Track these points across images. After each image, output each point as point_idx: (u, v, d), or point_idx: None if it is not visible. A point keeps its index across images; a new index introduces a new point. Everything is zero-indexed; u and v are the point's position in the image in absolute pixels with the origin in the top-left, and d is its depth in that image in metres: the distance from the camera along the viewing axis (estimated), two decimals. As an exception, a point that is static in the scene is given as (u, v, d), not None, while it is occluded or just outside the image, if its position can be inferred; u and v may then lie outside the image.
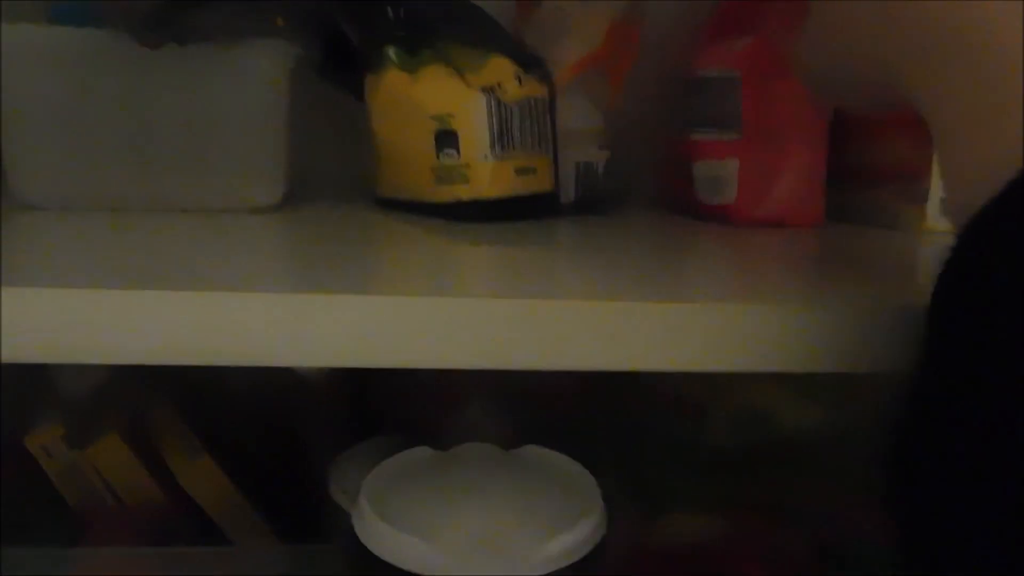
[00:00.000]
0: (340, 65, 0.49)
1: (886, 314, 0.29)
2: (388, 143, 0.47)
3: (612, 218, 0.50)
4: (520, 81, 0.45)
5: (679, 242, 0.42)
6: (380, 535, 0.34)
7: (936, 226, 0.50)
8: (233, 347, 0.27)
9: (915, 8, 0.26)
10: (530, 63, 0.47)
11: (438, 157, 0.44)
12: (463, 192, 0.44)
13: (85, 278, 0.27)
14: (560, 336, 0.27)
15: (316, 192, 0.55)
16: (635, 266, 0.34)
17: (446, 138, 0.44)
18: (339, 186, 0.57)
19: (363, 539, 0.34)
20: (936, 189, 0.49)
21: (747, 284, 0.32)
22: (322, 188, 0.56)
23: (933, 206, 0.50)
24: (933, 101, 0.26)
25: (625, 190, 0.52)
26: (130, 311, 0.26)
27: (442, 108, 0.44)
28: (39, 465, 0.45)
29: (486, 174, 0.44)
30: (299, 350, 0.27)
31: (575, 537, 0.33)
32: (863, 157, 0.51)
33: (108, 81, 0.42)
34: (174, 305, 0.26)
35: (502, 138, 0.44)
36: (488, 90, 0.44)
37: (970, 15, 0.24)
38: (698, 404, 0.60)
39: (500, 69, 0.45)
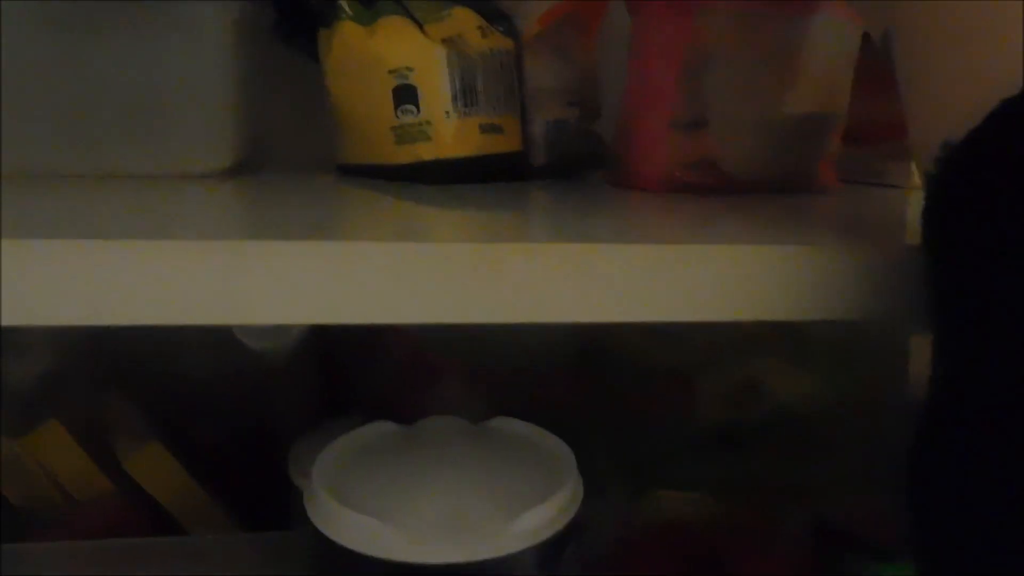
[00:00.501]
0: (295, 25, 0.46)
1: (877, 258, 0.26)
2: (345, 102, 0.44)
3: (586, 182, 0.47)
4: (484, 34, 0.42)
5: (663, 200, 0.40)
6: (334, 516, 0.31)
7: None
8: (175, 303, 0.24)
9: None
10: (495, 16, 0.44)
11: (397, 115, 0.41)
12: (425, 152, 0.41)
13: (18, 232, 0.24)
14: (534, 284, 0.24)
15: (278, 160, 0.52)
16: (613, 215, 0.31)
17: (406, 93, 0.41)
18: (302, 154, 0.54)
19: (316, 522, 0.31)
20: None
21: (733, 231, 0.29)
22: (285, 156, 0.53)
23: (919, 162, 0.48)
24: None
25: (600, 151, 0.49)
26: (65, 265, 0.23)
27: (401, 61, 0.41)
28: (-23, 457, 0.41)
29: (449, 132, 0.41)
30: (249, 304, 0.24)
31: (545, 513, 0.31)
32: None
33: (44, 45, 0.39)
34: (108, 256, 0.23)
35: (465, 94, 0.41)
36: (450, 42, 0.41)
37: None
38: (688, 376, 0.57)
39: (463, 21, 0.42)
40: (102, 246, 0.23)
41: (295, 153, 0.53)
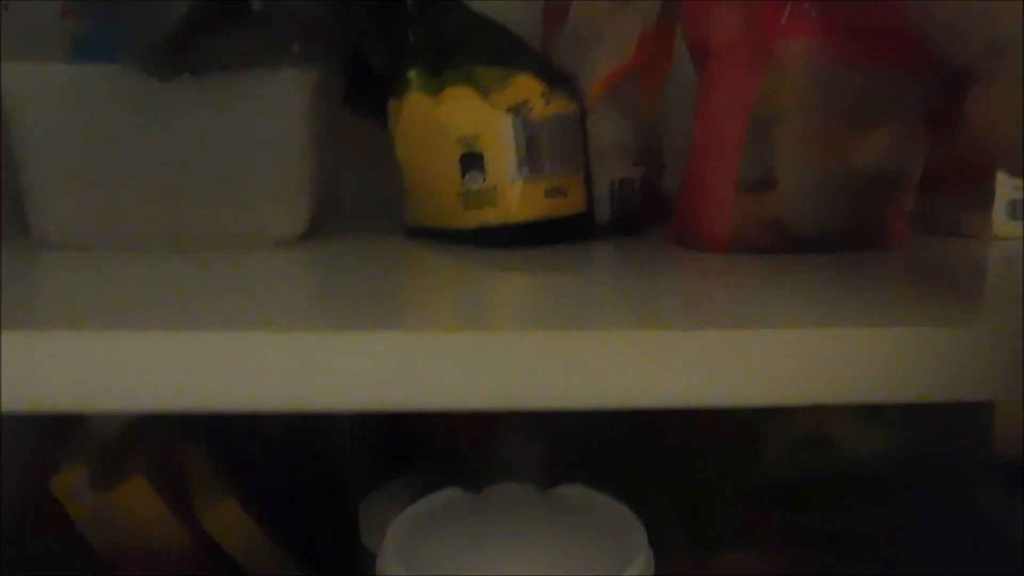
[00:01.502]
0: (363, 91, 0.48)
1: (980, 335, 0.26)
2: (414, 169, 0.45)
3: (651, 240, 0.47)
4: (547, 99, 0.43)
5: (729, 263, 0.39)
6: (406, 587, 0.31)
7: (1004, 231, 0.47)
8: (251, 392, 0.25)
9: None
10: (558, 80, 0.45)
11: (464, 181, 0.42)
12: (491, 216, 0.42)
13: (102, 320, 0.26)
14: (605, 370, 0.25)
15: (348, 220, 0.53)
16: (679, 291, 0.32)
17: (472, 161, 0.42)
18: (372, 214, 0.56)
19: (389, 590, 0.32)
20: (1003, 191, 0.45)
21: (811, 307, 0.29)
22: (354, 216, 0.55)
23: (999, 210, 0.47)
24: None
25: (666, 207, 0.50)
26: (147, 354, 0.25)
27: (467, 130, 0.42)
28: (65, 509, 0.44)
29: (514, 197, 0.42)
30: (319, 393, 0.25)
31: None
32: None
33: (126, 115, 0.42)
34: (188, 347, 0.25)
35: (530, 159, 0.42)
36: (514, 110, 0.42)
37: None
38: (752, 430, 0.56)
39: (526, 87, 0.43)
40: (168, 337, 0.24)
41: (365, 213, 0.55)
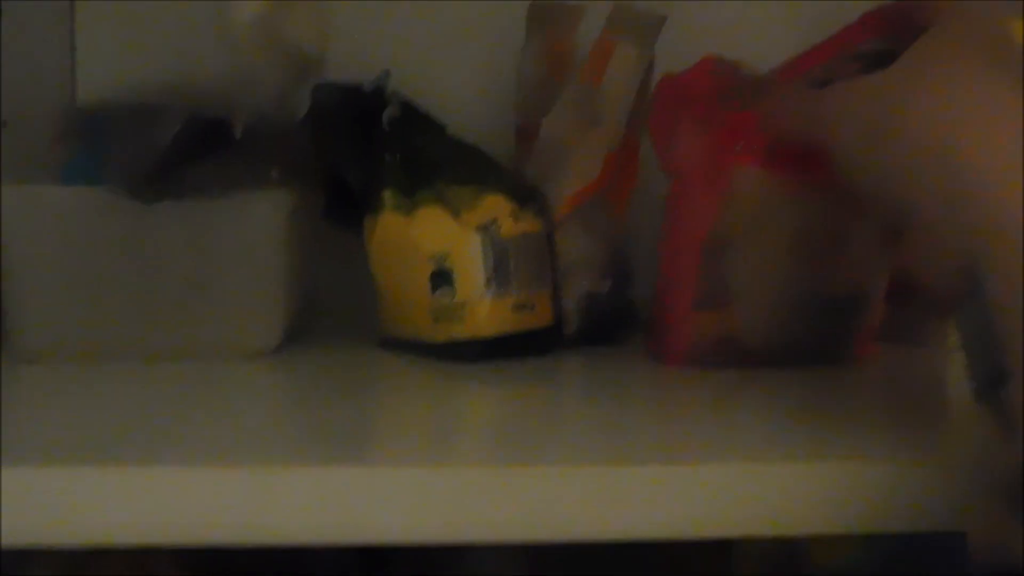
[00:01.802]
0: (342, 206, 0.50)
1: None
2: (387, 283, 0.47)
3: (620, 351, 0.48)
4: (515, 217, 0.45)
5: (688, 379, 0.41)
6: None
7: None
8: (211, 525, 0.26)
9: None
10: (527, 198, 0.47)
11: (434, 297, 0.44)
12: (460, 331, 0.44)
13: (78, 451, 0.27)
14: (561, 503, 0.26)
15: (326, 328, 0.54)
16: (633, 415, 0.33)
17: (442, 277, 0.44)
18: (350, 321, 0.56)
19: None
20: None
21: (752, 436, 0.30)
22: (333, 323, 0.55)
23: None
24: None
25: (633, 317, 0.51)
26: (123, 489, 0.25)
27: (438, 248, 0.44)
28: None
29: (483, 312, 0.43)
30: (280, 527, 0.26)
31: None
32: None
33: (108, 235, 0.43)
34: (162, 482, 0.25)
35: (498, 275, 0.44)
36: (483, 228, 0.44)
37: None
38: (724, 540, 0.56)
39: (495, 206, 0.45)
40: (129, 472, 0.25)
41: (344, 320, 0.56)
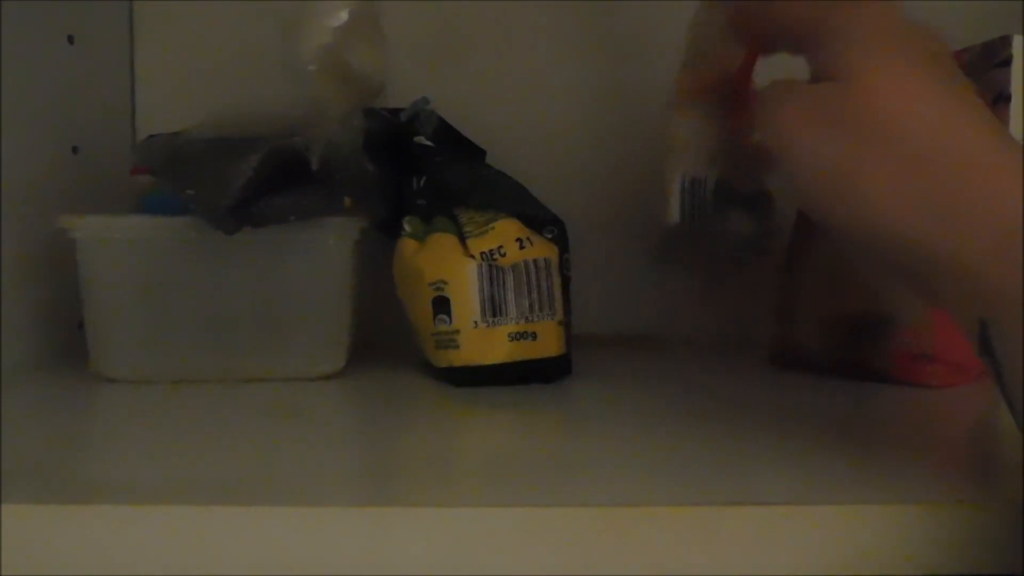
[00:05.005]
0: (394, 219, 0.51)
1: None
2: (406, 307, 0.48)
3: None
4: (523, 244, 0.44)
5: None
6: None
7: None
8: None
9: None
10: (546, 222, 0.46)
11: (435, 323, 0.45)
12: (455, 358, 0.44)
13: (142, 487, 0.28)
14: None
15: (383, 352, 0.54)
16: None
17: (441, 305, 0.44)
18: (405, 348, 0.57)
19: None
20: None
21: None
22: (391, 346, 0.55)
23: None
24: None
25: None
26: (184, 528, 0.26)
27: (438, 275, 0.44)
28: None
29: (476, 341, 0.44)
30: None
31: None
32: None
33: (185, 263, 0.46)
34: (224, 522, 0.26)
35: (493, 305, 0.44)
36: (484, 256, 0.44)
37: None
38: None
39: (505, 233, 0.45)
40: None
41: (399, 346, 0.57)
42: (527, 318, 0.44)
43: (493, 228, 0.45)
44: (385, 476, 0.31)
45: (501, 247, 0.44)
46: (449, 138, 0.51)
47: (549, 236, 0.46)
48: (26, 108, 0.51)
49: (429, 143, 0.50)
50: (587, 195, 0.62)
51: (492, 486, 0.29)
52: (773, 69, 0.33)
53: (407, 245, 0.47)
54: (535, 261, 0.44)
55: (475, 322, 0.44)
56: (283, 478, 0.30)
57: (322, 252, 0.47)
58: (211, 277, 0.47)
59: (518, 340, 0.44)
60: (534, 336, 0.44)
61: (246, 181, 0.44)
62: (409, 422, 0.39)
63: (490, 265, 0.44)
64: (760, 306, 0.53)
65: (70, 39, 0.55)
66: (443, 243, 0.45)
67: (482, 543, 0.26)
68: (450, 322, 0.44)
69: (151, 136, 0.51)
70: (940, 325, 0.43)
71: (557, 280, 0.45)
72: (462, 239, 0.45)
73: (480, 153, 0.52)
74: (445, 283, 0.44)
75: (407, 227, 0.47)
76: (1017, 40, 0.43)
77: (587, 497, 0.27)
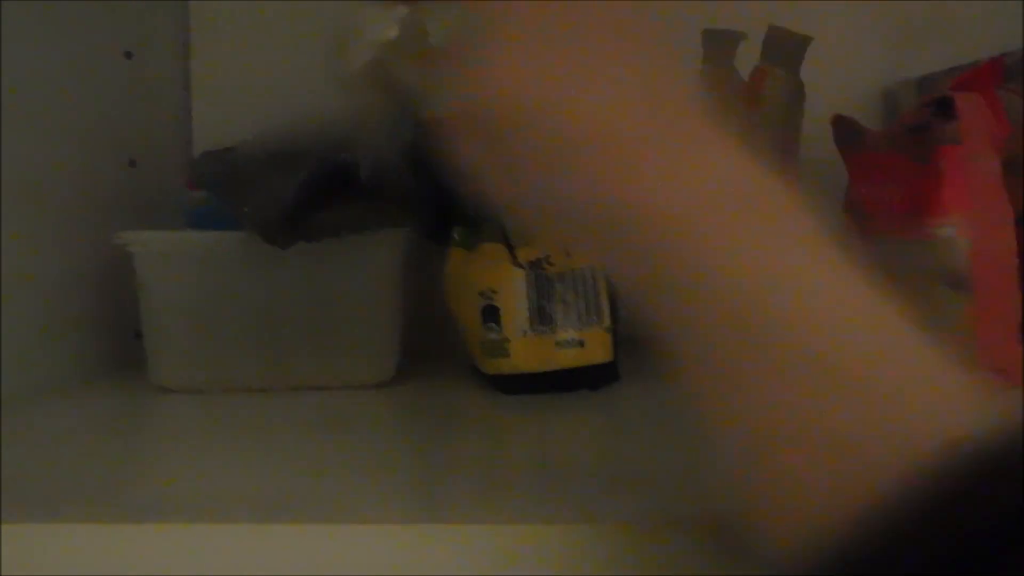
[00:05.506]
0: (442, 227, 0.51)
1: None
2: (455, 314, 0.48)
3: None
4: (569, 252, 0.44)
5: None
6: None
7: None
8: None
9: None
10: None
11: (484, 331, 0.45)
12: (504, 366, 0.44)
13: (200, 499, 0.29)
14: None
15: (432, 359, 0.54)
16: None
17: (490, 313, 0.44)
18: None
19: None
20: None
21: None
22: (440, 354, 0.55)
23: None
24: None
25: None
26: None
27: (487, 284, 0.45)
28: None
29: (524, 349, 0.44)
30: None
31: None
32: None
33: (238, 276, 0.47)
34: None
35: (541, 314, 0.44)
36: (532, 265, 0.44)
37: None
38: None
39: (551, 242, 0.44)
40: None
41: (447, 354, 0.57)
42: (575, 326, 0.44)
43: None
44: (432, 490, 0.31)
45: (548, 256, 0.44)
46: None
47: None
48: (85, 123, 0.53)
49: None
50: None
51: (540, 501, 0.29)
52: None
53: (456, 254, 0.47)
54: (583, 269, 0.44)
55: (524, 331, 0.44)
56: (329, 493, 0.30)
57: (371, 263, 0.48)
58: (263, 289, 0.48)
59: (566, 348, 0.44)
60: (582, 344, 0.44)
61: (298, 197, 0.45)
62: (458, 432, 0.40)
63: (538, 275, 0.44)
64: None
65: (127, 55, 0.57)
66: (492, 252, 0.45)
67: (529, 560, 0.25)
68: (499, 330, 0.44)
69: (204, 153, 0.52)
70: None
71: (603, 287, 0.45)
72: (510, 248, 0.45)
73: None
74: (495, 292, 0.44)
75: (456, 236, 0.48)
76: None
77: (633, 513, 0.26)
